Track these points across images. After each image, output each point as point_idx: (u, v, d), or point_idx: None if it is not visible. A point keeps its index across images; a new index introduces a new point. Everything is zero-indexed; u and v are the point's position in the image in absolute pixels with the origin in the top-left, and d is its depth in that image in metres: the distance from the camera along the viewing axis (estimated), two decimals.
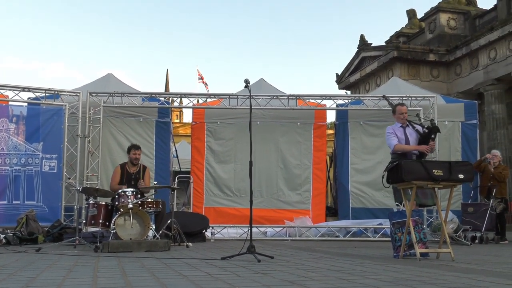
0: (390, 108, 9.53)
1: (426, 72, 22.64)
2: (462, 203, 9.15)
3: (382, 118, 9.79)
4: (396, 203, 6.47)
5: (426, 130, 6.18)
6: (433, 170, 4.91)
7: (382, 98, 9.61)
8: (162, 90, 49.48)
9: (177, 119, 47.19)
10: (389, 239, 8.47)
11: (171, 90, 51.61)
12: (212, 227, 8.89)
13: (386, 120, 9.70)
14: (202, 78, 40.99)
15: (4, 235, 7.33)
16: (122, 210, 6.52)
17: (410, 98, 9.58)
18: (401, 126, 6.31)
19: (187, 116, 53.89)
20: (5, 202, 8.32)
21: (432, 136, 6.07)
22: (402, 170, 4.98)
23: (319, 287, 3.01)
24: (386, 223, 9.00)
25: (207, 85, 41.69)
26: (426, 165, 4.99)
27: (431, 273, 3.73)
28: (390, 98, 9.54)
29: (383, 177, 5.25)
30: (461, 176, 4.96)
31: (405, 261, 4.82)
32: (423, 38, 24.20)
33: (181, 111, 49.67)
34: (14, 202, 8.45)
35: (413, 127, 6.30)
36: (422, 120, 6.45)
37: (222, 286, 3.08)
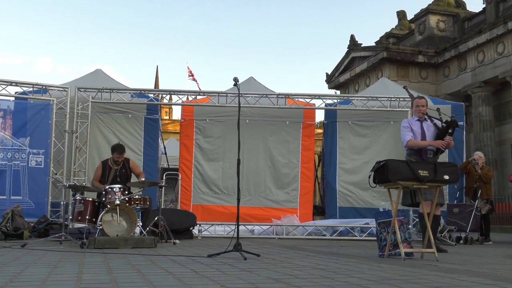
0: (379, 109, 9.69)
1: (415, 74, 22.84)
2: (448, 204, 9.23)
3: (371, 119, 9.88)
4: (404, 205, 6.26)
5: (445, 125, 5.91)
6: (419, 171, 4.95)
7: (370, 99, 9.70)
8: (152, 87, 49.36)
9: (166, 115, 46.99)
10: (376, 238, 8.59)
11: (161, 87, 51.37)
12: (200, 225, 8.90)
13: (374, 121, 9.82)
14: (192, 75, 40.88)
15: None
16: (109, 206, 6.50)
17: (398, 99, 9.65)
18: (418, 120, 6.06)
19: (177, 113, 53.67)
20: None
21: (450, 131, 5.80)
22: (388, 170, 5.02)
23: (303, 285, 3.03)
24: (372, 223, 9.05)
25: (198, 82, 41.58)
26: (412, 165, 5.03)
27: (414, 273, 3.77)
28: (379, 98, 9.65)
29: (369, 177, 5.28)
30: (446, 177, 5.01)
31: (390, 260, 4.87)
32: (412, 39, 24.39)
33: (170, 108, 49.48)
34: (0, 197, 8.38)
35: (432, 121, 6.03)
36: (442, 115, 6.11)
37: (208, 283, 3.09)
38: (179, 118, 10.58)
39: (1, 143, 8.61)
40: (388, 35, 25.69)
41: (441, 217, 8.89)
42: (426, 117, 6.03)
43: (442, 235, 8.22)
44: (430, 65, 22.60)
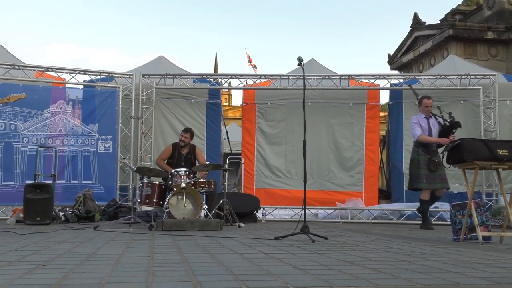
0: (448, 88, 9.24)
1: (484, 51, 21.69)
2: None
3: (439, 98, 9.38)
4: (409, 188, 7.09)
5: (448, 124, 6.93)
6: (498, 150, 4.66)
7: (438, 77, 9.28)
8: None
9: (226, 102, 47.44)
10: (445, 222, 8.25)
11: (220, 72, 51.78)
12: (263, 208, 8.88)
13: (442, 100, 9.33)
14: (250, 61, 40.95)
15: (63, 213, 7.60)
16: (175, 189, 6.60)
17: (469, 77, 9.16)
18: (425, 117, 7.04)
19: (236, 99, 54.01)
20: (63, 182, 8.60)
21: (454, 130, 6.85)
22: (464, 149, 4.76)
23: (379, 267, 2.90)
24: (442, 206, 8.73)
25: (256, 68, 41.63)
26: (490, 144, 4.73)
27: (496, 257, 3.54)
28: (448, 77, 9.19)
29: (442, 157, 5.02)
30: None
31: (466, 244, 4.62)
32: (480, 15, 23.13)
33: (229, 94, 49.93)
34: (72, 181, 8.73)
35: (436, 119, 7.06)
36: (443, 113, 7.16)
37: (279, 264, 3.03)
38: (239, 104, 10.58)
39: (72, 130, 8.93)
40: (454, 12, 24.46)
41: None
42: (431, 115, 7.12)
43: None
44: (500, 41, 21.33)
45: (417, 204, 9.05)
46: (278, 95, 9.73)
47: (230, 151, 12.10)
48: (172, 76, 9.43)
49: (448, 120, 7.01)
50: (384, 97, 43.02)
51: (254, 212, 8.47)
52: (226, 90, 33.89)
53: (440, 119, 7.08)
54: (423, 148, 7.01)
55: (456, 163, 4.95)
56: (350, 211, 9.08)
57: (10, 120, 8.56)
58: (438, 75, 9.34)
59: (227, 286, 2.27)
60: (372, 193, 9.52)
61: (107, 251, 3.72)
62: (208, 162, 7.62)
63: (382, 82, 9.66)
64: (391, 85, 9.62)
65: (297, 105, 9.35)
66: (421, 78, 9.59)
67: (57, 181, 8.05)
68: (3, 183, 8.40)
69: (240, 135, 10.33)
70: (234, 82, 10.04)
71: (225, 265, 2.96)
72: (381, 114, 15.30)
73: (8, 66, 8.67)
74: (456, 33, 21.20)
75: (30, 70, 8.88)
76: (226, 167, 7.86)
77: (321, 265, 3.01)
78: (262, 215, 8.78)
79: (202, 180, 7.07)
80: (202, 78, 9.69)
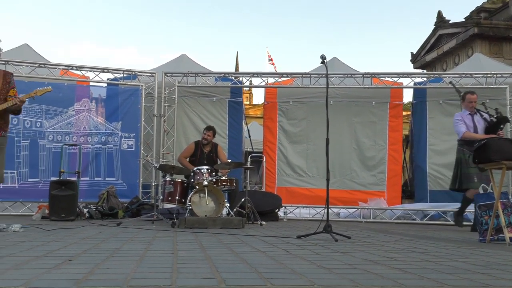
0: (473, 86, 9.06)
1: (510, 49, 21.32)
2: None
3: None
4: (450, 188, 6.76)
5: (495, 120, 6.51)
6: None
7: (463, 76, 9.13)
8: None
9: (246, 100, 47.51)
10: (471, 223, 8.10)
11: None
12: (285, 207, 8.87)
13: None
14: (271, 60, 40.92)
15: (87, 210, 7.70)
16: (197, 187, 6.63)
17: (495, 75, 8.99)
18: (469, 114, 6.60)
19: (257, 97, 54.10)
20: (87, 179, 8.71)
21: (501, 126, 6.51)
22: (490, 149, 4.67)
23: (405, 267, 2.86)
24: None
25: (276, 67, 41.57)
26: None
27: None
28: (473, 75, 9.03)
29: (469, 157, 4.94)
30: None
31: (493, 245, 4.53)
32: (506, 13, 22.69)
33: (250, 93, 49.97)
34: (95, 178, 8.84)
35: (481, 115, 6.63)
36: (489, 109, 6.79)
37: (302, 263, 3.01)
38: (259, 103, 10.58)
39: (96, 128, 9.04)
40: (479, 10, 24.06)
41: None
42: (475, 111, 6.67)
43: None
44: None
45: (441, 204, 8.97)
46: (300, 94, 9.70)
47: (251, 150, 12.10)
48: (194, 75, 9.48)
49: (495, 116, 6.61)
50: (407, 96, 42.57)
51: (276, 210, 8.46)
52: (248, 88, 33.98)
53: (485, 115, 6.67)
54: (468, 146, 6.45)
55: (483, 163, 4.86)
56: (372, 211, 9.01)
57: (36, 118, 8.70)
58: (464, 73, 9.19)
59: (252, 283, 2.26)
60: (395, 192, 9.42)
61: (131, 247, 3.75)
62: (230, 160, 7.64)
63: (405, 81, 9.55)
64: (414, 83, 9.50)
65: (319, 103, 9.33)
66: (446, 77, 9.43)
67: (81, 178, 8.15)
68: (29, 180, 8.55)
69: (261, 133, 10.32)
70: (256, 81, 10.04)
71: (248, 262, 2.95)
72: (404, 113, 15.17)
73: (34, 65, 8.82)
74: (481, 31, 20.88)
75: (55, 68, 9.02)
76: (248, 165, 7.86)
77: (346, 264, 2.99)
78: (284, 214, 8.77)
79: (224, 178, 7.09)
80: (224, 76, 9.71)
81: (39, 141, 8.69)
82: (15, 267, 2.59)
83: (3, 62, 8.16)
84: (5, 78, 5.49)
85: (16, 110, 5.54)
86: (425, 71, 24.59)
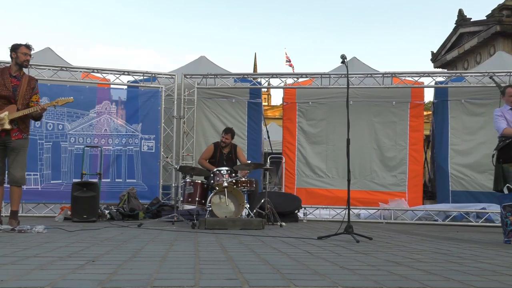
0: (495, 85, 8.91)
1: None
2: None
3: (486, 96, 9.14)
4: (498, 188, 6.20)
5: None
6: None
7: (485, 74, 8.98)
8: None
9: (265, 102, 47.45)
10: (494, 224, 7.98)
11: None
12: (305, 208, 8.83)
13: (490, 98, 9.06)
14: (289, 61, 40.85)
15: (108, 211, 7.77)
16: (217, 188, 6.64)
17: None
18: (510, 109, 6.06)
19: (275, 98, 54.01)
20: (108, 180, 8.79)
21: None
22: None
23: (430, 268, 2.82)
24: (490, 208, 8.46)
25: (294, 68, 41.47)
26: None
27: None
28: (496, 74, 8.88)
29: (493, 156, 4.85)
30: None
31: None
32: None
33: (268, 94, 49.92)
34: (116, 180, 8.92)
35: None
36: None
37: (325, 264, 2.99)
38: (278, 104, 10.56)
39: (116, 130, 9.12)
40: (501, 7, 23.62)
41: None
42: None
43: None
44: None
45: (464, 205, 8.84)
46: (319, 94, 9.65)
47: (270, 151, 12.09)
48: (213, 76, 9.50)
49: None
50: (428, 96, 42.06)
51: (296, 211, 8.43)
52: (266, 89, 33.94)
53: None
54: None
55: (507, 162, 4.77)
56: (393, 212, 8.92)
57: (58, 120, 8.82)
58: (486, 72, 9.03)
59: (275, 284, 2.25)
60: (416, 193, 9.32)
61: (152, 248, 3.77)
62: (249, 161, 7.64)
63: (426, 80, 9.42)
64: (436, 83, 9.38)
65: (338, 104, 9.28)
66: (468, 76, 9.29)
67: (102, 180, 8.23)
68: (51, 182, 8.67)
69: (280, 134, 10.29)
70: (274, 82, 10.01)
71: (270, 263, 2.94)
72: (424, 113, 14.98)
73: (56, 68, 8.94)
74: (503, 29, 20.53)
75: (77, 71, 9.13)
76: (268, 166, 7.84)
77: (369, 265, 2.96)
78: (303, 215, 8.73)
79: (243, 179, 7.09)
80: (243, 77, 9.72)
81: (61, 143, 8.80)
82: (40, 268, 2.62)
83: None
84: (30, 83, 5.59)
85: (37, 117, 5.65)
86: (445, 70, 24.28)
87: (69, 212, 7.34)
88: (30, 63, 5.64)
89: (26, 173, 5.68)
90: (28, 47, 5.57)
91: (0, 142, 5.47)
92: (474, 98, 9.25)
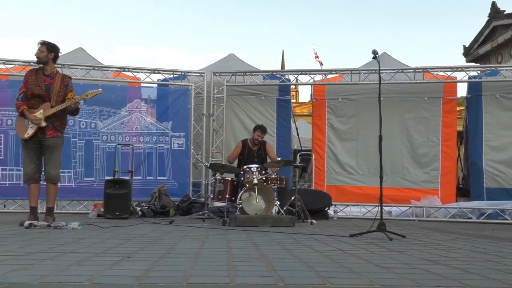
0: None
1: None
2: None
3: None
4: None
5: None
6: None
7: None
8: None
9: (293, 99, 47.31)
10: None
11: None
12: (335, 205, 8.77)
13: None
14: (317, 57, 40.60)
15: (140, 208, 7.88)
16: (247, 185, 6.65)
17: None
18: None
19: (303, 95, 53.86)
20: (140, 178, 8.90)
21: None
22: None
23: (468, 267, 2.76)
24: None
25: (322, 65, 41.21)
26: None
27: None
28: None
29: None
30: None
31: None
32: None
33: (297, 91, 49.73)
34: (147, 177, 9.03)
35: None
36: None
37: (360, 262, 2.96)
38: (306, 101, 10.50)
39: (147, 128, 9.23)
40: None
41: None
42: None
43: None
44: None
45: (499, 202, 8.63)
46: (349, 90, 9.55)
47: (300, 148, 12.04)
48: (242, 73, 9.51)
49: None
50: (461, 91, 41.26)
51: (326, 209, 8.37)
52: (294, 86, 33.84)
53: None
54: None
55: None
56: (425, 209, 8.76)
57: (90, 119, 8.98)
58: None
59: (310, 282, 2.23)
60: (449, 190, 9.12)
61: (185, 245, 3.80)
62: (279, 159, 7.62)
63: (458, 75, 9.22)
64: (469, 77, 9.17)
65: (368, 100, 9.15)
66: (503, 70, 9.05)
67: (134, 177, 8.35)
68: (85, 179, 8.84)
69: (309, 131, 10.22)
70: (303, 78, 9.95)
71: (304, 261, 2.93)
72: (457, 108, 14.67)
73: (88, 67, 9.10)
74: None
75: (108, 70, 9.28)
76: (298, 163, 7.81)
77: (404, 263, 2.91)
78: (334, 212, 8.67)
79: (273, 176, 7.08)
80: (271, 74, 9.70)
81: (93, 141, 8.96)
82: (78, 263, 2.67)
83: (59, 66, 8.46)
84: (63, 81, 5.71)
85: (74, 110, 5.75)
86: (478, 64, 23.73)
87: (102, 209, 7.46)
88: (63, 62, 5.76)
89: (60, 170, 5.81)
90: (39, 43, 5.67)
91: (36, 140, 5.60)
92: (509, 92, 9.00)
